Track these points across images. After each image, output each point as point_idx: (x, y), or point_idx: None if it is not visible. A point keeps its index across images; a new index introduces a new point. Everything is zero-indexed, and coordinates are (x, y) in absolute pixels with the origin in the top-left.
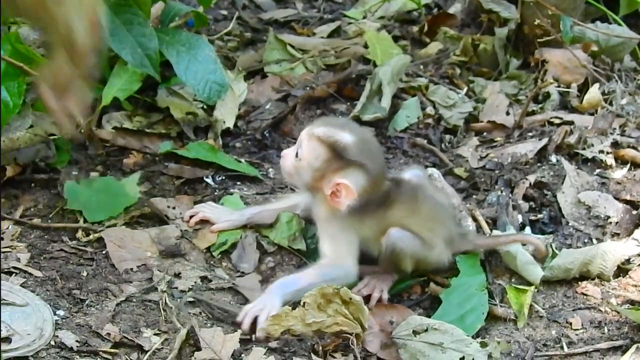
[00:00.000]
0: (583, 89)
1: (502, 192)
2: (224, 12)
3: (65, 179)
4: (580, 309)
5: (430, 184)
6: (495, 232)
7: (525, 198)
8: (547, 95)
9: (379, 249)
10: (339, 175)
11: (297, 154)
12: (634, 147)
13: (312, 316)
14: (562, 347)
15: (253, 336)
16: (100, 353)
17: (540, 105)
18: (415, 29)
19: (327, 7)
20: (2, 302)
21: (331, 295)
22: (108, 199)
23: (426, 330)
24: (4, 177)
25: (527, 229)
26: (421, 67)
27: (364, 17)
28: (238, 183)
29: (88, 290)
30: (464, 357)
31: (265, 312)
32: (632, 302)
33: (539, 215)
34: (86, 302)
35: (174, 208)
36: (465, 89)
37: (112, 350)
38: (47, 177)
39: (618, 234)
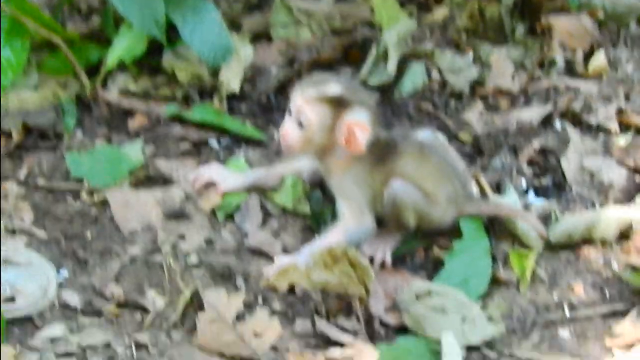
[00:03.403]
0: (588, 55)
1: (506, 157)
2: None
3: (69, 144)
4: (582, 273)
5: (441, 146)
6: (499, 199)
7: (530, 163)
8: (553, 61)
9: (382, 202)
10: (347, 118)
11: (300, 124)
12: (638, 114)
13: (318, 274)
14: (563, 311)
15: (257, 298)
16: (104, 313)
17: (545, 71)
18: None
19: None
20: (6, 262)
21: (339, 256)
22: (111, 165)
23: (429, 294)
24: (10, 141)
25: (531, 194)
26: (427, 32)
27: None
28: (243, 146)
29: (92, 250)
30: (465, 320)
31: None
32: (634, 267)
33: (543, 181)
34: (90, 263)
35: (178, 170)
36: (471, 54)
37: (116, 310)
38: (53, 144)
39: (621, 200)
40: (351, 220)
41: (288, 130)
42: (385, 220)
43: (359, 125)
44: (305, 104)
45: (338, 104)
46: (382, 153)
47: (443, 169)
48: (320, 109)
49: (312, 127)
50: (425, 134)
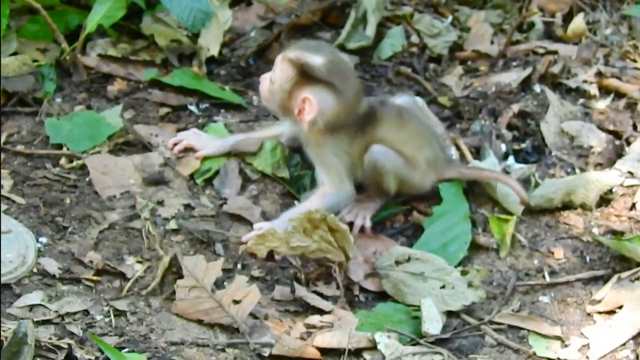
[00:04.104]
0: (567, 18)
1: (485, 121)
2: None
3: (48, 109)
4: (562, 238)
5: (419, 111)
6: (478, 163)
7: (509, 127)
8: (532, 25)
9: (362, 169)
10: (305, 91)
11: (271, 78)
12: (617, 77)
13: (297, 240)
14: (544, 277)
15: (236, 265)
16: (83, 280)
17: (524, 35)
18: None
19: None
20: None
21: (318, 221)
22: (90, 130)
23: (408, 260)
24: None
25: (511, 158)
26: None
27: None
28: (222, 111)
29: (71, 217)
30: (444, 286)
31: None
32: (614, 232)
33: (522, 145)
34: (69, 230)
35: (157, 136)
36: (450, 17)
37: (95, 277)
38: (32, 110)
39: (601, 164)
40: (330, 188)
41: (264, 79)
42: (366, 186)
43: (311, 104)
44: (281, 60)
45: (305, 75)
46: (361, 122)
47: (422, 133)
48: (287, 70)
49: (276, 83)
50: (404, 99)
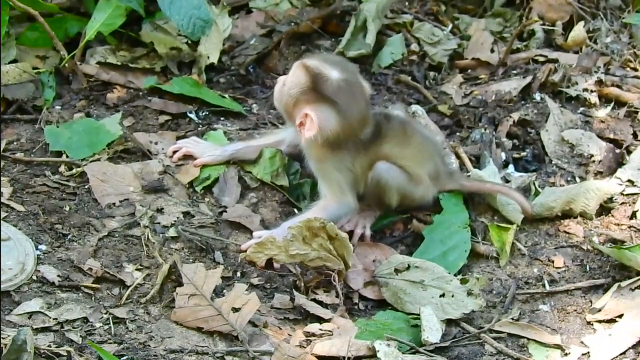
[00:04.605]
0: (568, 26)
1: (485, 129)
2: None
3: (47, 117)
4: (562, 247)
5: (414, 121)
6: (478, 172)
7: (509, 136)
8: (532, 33)
9: (366, 183)
10: (310, 107)
11: (285, 80)
12: (618, 86)
13: (297, 248)
14: (543, 285)
15: (236, 272)
16: (82, 288)
17: (524, 43)
18: None
19: None
20: None
21: (317, 229)
22: (89, 138)
23: (408, 268)
24: None
25: (511, 167)
26: (406, 3)
27: None
28: (222, 118)
29: (70, 224)
30: (444, 294)
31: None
32: (614, 241)
33: (522, 153)
34: (68, 237)
35: (156, 143)
36: (450, 26)
37: (94, 285)
38: (31, 118)
39: (601, 173)
40: (332, 200)
41: (279, 80)
42: (366, 198)
43: (312, 121)
44: (296, 65)
45: (315, 88)
46: (365, 141)
47: (425, 148)
48: (299, 77)
49: (286, 86)
50: (397, 111)
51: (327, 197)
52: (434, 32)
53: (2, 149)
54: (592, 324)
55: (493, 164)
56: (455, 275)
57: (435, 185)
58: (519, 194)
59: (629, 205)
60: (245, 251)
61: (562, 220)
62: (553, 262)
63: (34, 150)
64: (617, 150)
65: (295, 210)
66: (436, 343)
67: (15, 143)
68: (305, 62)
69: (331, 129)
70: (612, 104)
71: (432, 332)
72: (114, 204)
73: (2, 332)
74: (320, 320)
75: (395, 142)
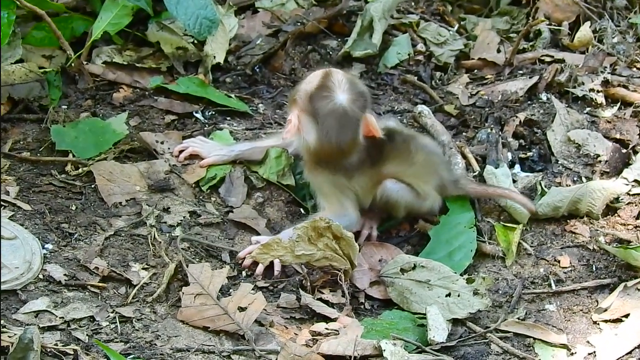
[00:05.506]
0: (574, 27)
1: (492, 129)
2: None
3: (54, 116)
4: (568, 247)
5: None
6: (492, 169)
7: (515, 136)
8: (538, 33)
9: (374, 198)
10: (298, 112)
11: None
12: (624, 86)
13: (302, 248)
14: (550, 285)
15: (242, 272)
16: (89, 287)
17: (531, 43)
18: None
19: None
20: None
21: (323, 229)
22: (96, 137)
23: (414, 268)
24: None
25: (517, 167)
26: (412, 3)
27: None
28: (228, 118)
29: (77, 224)
30: (450, 294)
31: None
32: (620, 241)
33: (529, 153)
34: (75, 236)
35: (162, 143)
36: (457, 26)
37: (100, 284)
38: (38, 117)
39: (607, 173)
40: (330, 213)
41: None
42: (375, 210)
43: (291, 126)
44: (323, 71)
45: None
46: (360, 163)
47: (431, 162)
48: (313, 81)
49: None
50: (390, 122)
51: (325, 210)
52: (440, 32)
53: (8, 149)
54: (598, 324)
55: (506, 167)
56: (461, 275)
57: (441, 194)
58: (522, 196)
59: (635, 205)
60: (244, 259)
61: (568, 220)
62: (559, 262)
63: (40, 150)
64: (624, 151)
65: (302, 210)
66: (442, 342)
67: (21, 142)
68: (330, 72)
69: (310, 142)
70: (618, 104)
71: (438, 332)
72: (120, 203)
73: (9, 330)
74: (326, 319)
75: (399, 161)
